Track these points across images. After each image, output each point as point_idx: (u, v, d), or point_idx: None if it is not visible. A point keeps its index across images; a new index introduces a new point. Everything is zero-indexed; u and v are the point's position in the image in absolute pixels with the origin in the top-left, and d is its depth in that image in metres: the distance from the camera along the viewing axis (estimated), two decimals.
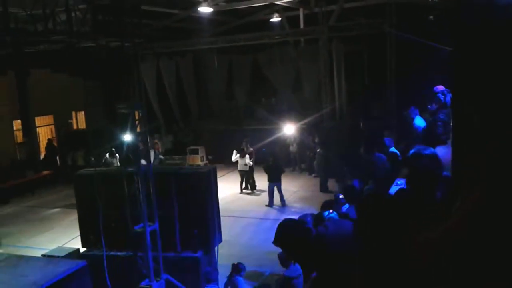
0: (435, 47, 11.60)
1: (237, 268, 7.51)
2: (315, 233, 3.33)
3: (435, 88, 9.75)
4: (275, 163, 14.31)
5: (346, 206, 7.76)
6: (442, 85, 9.67)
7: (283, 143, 18.04)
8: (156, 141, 18.45)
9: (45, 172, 18.21)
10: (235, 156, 15.60)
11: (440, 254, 1.35)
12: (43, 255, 8.94)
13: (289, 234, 3.17)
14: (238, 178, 16.12)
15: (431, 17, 15.93)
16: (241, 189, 15.78)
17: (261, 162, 15.52)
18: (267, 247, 9.53)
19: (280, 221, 3.54)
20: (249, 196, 15.41)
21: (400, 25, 16.64)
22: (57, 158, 18.83)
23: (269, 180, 13.98)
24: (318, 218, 6.98)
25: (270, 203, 13.96)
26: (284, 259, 7.18)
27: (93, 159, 15.10)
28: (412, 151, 3.37)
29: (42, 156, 20.15)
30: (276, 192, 13.96)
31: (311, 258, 3.35)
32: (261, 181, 15.82)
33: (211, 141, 19.59)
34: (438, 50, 11.11)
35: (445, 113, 8.91)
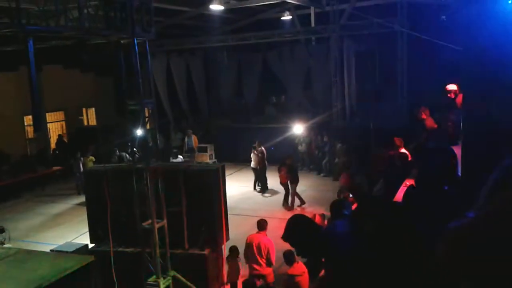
0: (447, 47, 11.50)
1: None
2: (324, 230, 3.32)
3: (447, 86, 9.64)
4: (294, 163, 14.31)
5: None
6: (455, 84, 9.55)
7: (292, 142, 17.99)
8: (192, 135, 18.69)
9: (55, 168, 18.34)
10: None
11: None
12: (52, 250, 9.01)
13: (299, 229, 3.16)
14: (246, 177, 16.11)
15: (444, 17, 15.78)
16: (254, 187, 15.77)
17: (272, 161, 15.53)
18: (275, 246, 9.52)
19: (287, 220, 3.53)
20: (257, 195, 15.40)
21: (412, 24, 16.50)
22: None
23: (294, 181, 13.76)
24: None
25: (302, 202, 13.91)
26: (288, 257, 7.18)
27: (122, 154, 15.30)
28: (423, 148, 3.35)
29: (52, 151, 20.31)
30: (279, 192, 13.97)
31: (319, 255, 3.33)
32: (272, 181, 15.76)
33: (220, 138, 19.60)
34: (450, 49, 11.00)
35: (455, 113, 8.81)
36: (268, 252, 7.94)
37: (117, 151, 15.97)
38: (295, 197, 13.92)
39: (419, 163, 4.06)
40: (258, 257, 7.97)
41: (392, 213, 2.66)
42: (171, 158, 16.76)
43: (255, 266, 8.02)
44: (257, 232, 8.23)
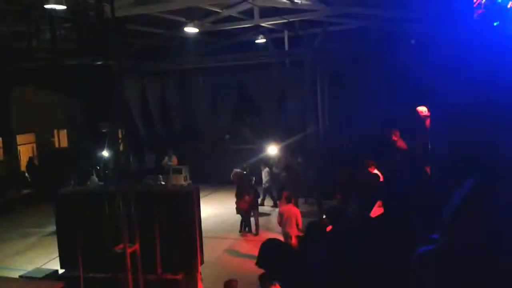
0: (416, 70, 11.84)
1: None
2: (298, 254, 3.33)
3: (418, 108, 9.89)
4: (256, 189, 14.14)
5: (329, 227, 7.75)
6: (425, 107, 9.80)
7: (266, 164, 18.01)
8: None
9: (25, 191, 17.90)
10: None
11: None
12: (21, 276, 8.76)
13: (272, 254, 3.17)
14: (221, 198, 16.00)
15: (413, 41, 16.27)
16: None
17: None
18: (250, 268, 9.45)
19: (262, 242, 3.54)
20: (232, 217, 15.26)
21: (382, 48, 16.93)
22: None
23: (256, 207, 13.66)
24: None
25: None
26: (264, 281, 7.13)
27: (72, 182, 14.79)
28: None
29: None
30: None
31: (293, 278, 3.34)
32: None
33: (195, 160, 19.52)
34: (419, 73, 11.33)
35: (424, 136, 9.04)
36: (296, 219, 10.18)
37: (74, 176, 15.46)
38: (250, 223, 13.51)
39: (391, 185, 4.13)
40: (290, 223, 10.18)
41: (365, 238, 2.70)
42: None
43: (288, 229, 10.21)
44: (287, 204, 10.47)
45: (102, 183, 15.00)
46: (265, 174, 16.13)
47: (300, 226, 10.30)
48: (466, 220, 1.32)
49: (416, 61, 11.87)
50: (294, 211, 10.36)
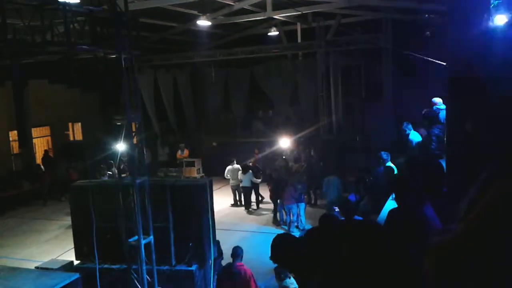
0: (430, 62, 11.70)
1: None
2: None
3: (433, 99, 9.78)
4: (278, 178, 14.28)
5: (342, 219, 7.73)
6: (440, 98, 9.68)
7: (279, 156, 17.99)
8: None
9: (40, 184, 18.09)
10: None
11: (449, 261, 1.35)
12: (37, 267, 8.88)
13: (284, 248, 3.17)
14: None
15: (428, 32, 16.06)
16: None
17: None
18: (262, 261, 9.47)
19: (274, 234, 3.55)
20: (244, 210, 15.32)
21: (396, 40, 16.76)
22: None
23: (275, 197, 13.67)
24: None
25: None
26: (279, 274, 7.16)
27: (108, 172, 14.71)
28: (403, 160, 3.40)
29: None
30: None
31: (306, 271, 3.34)
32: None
33: (208, 153, 19.59)
34: (433, 64, 11.20)
35: (439, 128, 8.94)
36: (338, 186, 12.32)
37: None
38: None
39: (405, 178, 4.10)
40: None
41: (370, 238, 2.70)
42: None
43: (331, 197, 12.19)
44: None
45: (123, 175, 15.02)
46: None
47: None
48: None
49: (432, 53, 11.72)
50: (333, 180, 12.38)
